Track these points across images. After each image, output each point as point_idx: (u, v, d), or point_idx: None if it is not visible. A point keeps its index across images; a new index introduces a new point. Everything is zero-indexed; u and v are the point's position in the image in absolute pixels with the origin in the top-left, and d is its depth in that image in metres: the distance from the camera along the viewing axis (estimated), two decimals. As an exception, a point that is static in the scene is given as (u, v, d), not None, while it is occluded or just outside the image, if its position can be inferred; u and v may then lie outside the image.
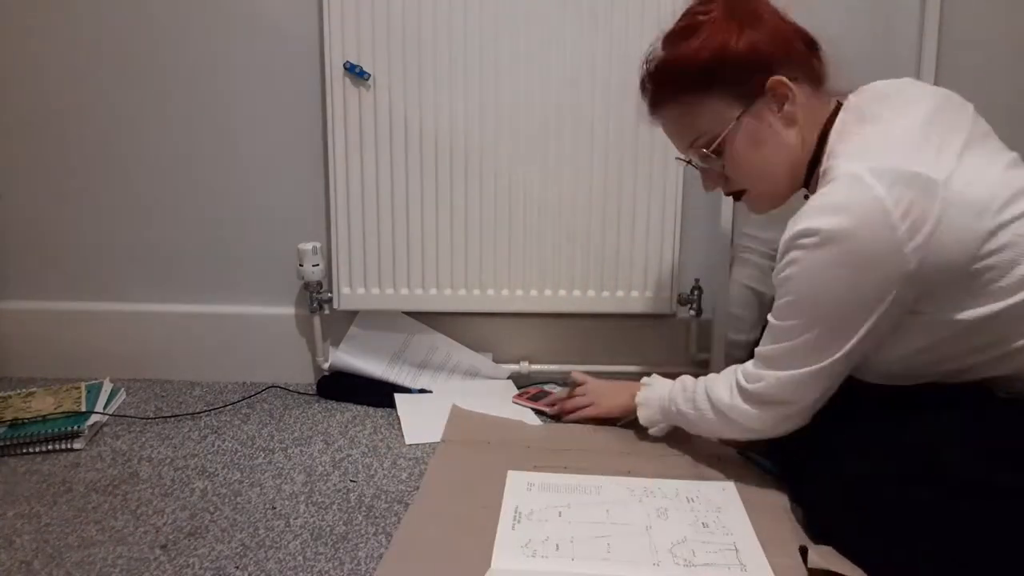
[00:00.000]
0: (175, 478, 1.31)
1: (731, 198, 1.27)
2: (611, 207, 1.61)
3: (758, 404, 1.14)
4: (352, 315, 1.69)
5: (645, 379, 1.38)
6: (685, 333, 1.70)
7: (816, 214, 1.00)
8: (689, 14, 1.13)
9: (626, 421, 1.43)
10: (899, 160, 0.98)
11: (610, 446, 1.39)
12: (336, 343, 1.70)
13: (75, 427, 1.41)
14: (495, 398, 1.61)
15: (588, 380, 1.52)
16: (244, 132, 1.65)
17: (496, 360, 1.72)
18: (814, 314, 1.04)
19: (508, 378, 1.71)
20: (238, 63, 1.62)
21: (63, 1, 1.61)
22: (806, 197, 1.13)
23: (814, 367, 1.07)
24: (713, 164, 1.16)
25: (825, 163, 1.07)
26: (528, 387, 1.67)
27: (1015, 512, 0.92)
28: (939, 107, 1.07)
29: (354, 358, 1.69)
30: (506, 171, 1.60)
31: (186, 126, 1.66)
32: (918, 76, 1.56)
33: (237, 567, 1.06)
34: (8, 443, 1.38)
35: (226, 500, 1.24)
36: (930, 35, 1.55)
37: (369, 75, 1.55)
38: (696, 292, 1.65)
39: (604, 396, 1.46)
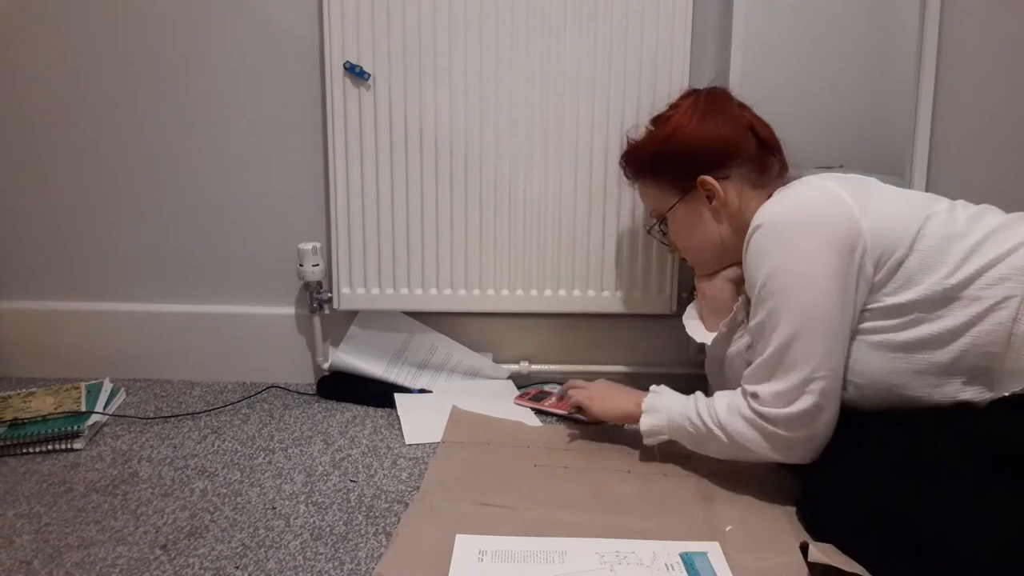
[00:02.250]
0: (175, 478, 1.31)
1: None
2: (611, 207, 1.61)
3: (762, 426, 1.14)
4: (352, 315, 1.69)
5: (654, 387, 1.33)
6: (685, 333, 1.69)
7: (767, 210, 1.14)
8: (672, 104, 1.35)
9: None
10: (834, 176, 1.17)
11: (613, 446, 1.39)
12: (336, 343, 1.70)
13: (75, 427, 1.41)
14: (495, 398, 1.61)
15: (597, 385, 1.44)
16: (244, 132, 1.65)
17: (496, 360, 1.72)
18: (792, 303, 1.10)
19: (508, 378, 1.71)
20: (238, 63, 1.62)
21: (64, 2, 1.61)
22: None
23: (806, 370, 1.10)
24: (663, 231, 1.39)
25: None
26: (528, 387, 1.67)
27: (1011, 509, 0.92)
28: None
29: (354, 358, 1.69)
30: (506, 171, 1.60)
31: (186, 126, 1.66)
32: (918, 76, 1.56)
33: (237, 567, 1.06)
34: (8, 443, 1.38)
35: (226, 500, 1.24)
36: (930, 35, 1.55)
37: (369, 75, 1.55)
38: (696, 292, 1.65)
39: (603, 398, 1.39)
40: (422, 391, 1.66)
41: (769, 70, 1.63)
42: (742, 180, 1.26)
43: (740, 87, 1.55)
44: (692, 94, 1.33)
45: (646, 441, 1.29)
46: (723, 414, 1.17)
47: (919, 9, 1.55)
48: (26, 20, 1.62)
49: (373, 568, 1.05)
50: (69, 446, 1.40)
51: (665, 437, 1.27)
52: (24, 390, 1.60)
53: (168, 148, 1.67)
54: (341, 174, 1.59)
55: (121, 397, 1.62)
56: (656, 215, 1.38)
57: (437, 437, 1.43)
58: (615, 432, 1.49)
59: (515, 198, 1.61)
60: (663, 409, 1.27)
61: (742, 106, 1.30)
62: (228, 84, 1.63)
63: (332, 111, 1.57)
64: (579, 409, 1.42)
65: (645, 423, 1.28)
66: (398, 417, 1.54)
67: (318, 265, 1.63)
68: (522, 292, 1.65)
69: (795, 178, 1.24)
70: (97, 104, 1.65)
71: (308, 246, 1.62)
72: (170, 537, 1.14)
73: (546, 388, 1.67)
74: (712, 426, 1.19)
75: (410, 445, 1.43)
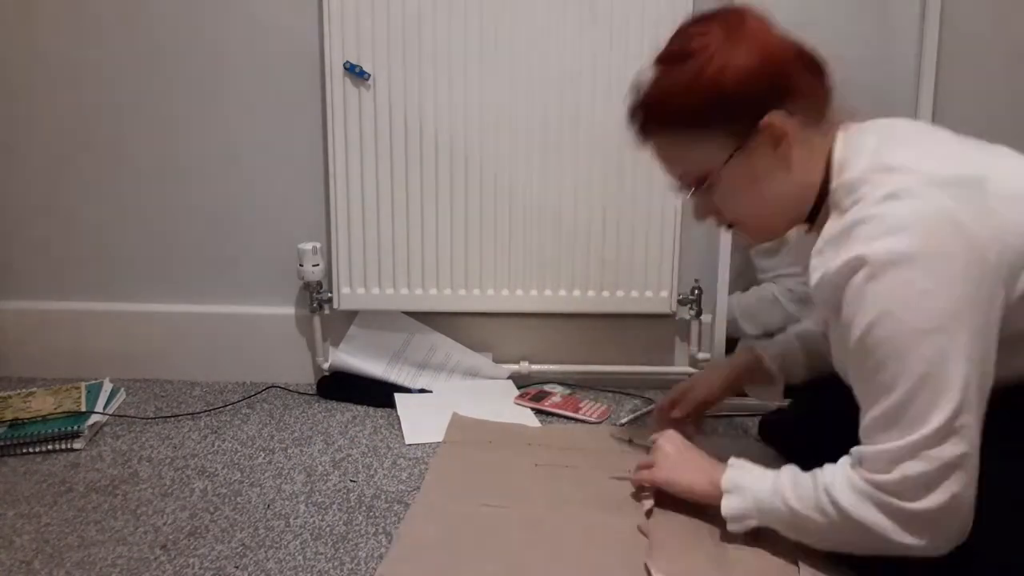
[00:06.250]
0: (175, 478, 1.31)
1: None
2: (611, 207, 1.61)
3: (883, 500, 0.90)
4: (352, 315, 1.69)
5: (734, 460, 1.07)
6: (685, 333, 1.70)
7: (877, 237, 0.89)
8: (683, 35, 1.04)
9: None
10: (937, 165, 0.92)
11: (612, 445, 1.39)
12: (336, 343, 1.70)
13: (75, 427, 1.41)
14: (495, 398, 1.61)
15: (666, 442, 1.18)
16: (244, 132, 1.65)
17: (496, 360, 1.72)
18: (917, 354, 0.87)
19: (508, 378, 1.71)
20: (238, 63, 1.62)
21: (63, 3, 1.61)
22: (808, 231, 1.08)
23: (944, 418, 0.86)
24: (703, 197, 1.07)
25: (841, 179, 0.98)
26: (528, 387, 1.67)
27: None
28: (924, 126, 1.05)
29: (354, 358, 1.68)
30: (506, 171, 1.60)
31: (186, 126, 1.65)
32: (918, 78, 1.56)
33: (237, 567, 1.06)
34: (8, 443, 1.38)
35: (226, 500, 1.24)
36: (930, 37, 1.55)
37: (369, 75, 1.55)
38: (696, 292, 1.65)
39: (676, 466, 1.14)
40: (422, 391, 1.66)
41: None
42: (806, 116, 1.01)
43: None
44: (714, 18, 1.03)
45: (731, 528, 1.04)
46: (839, 490, 0.93)
47: (919, 9, 1.55)
48: (25, 21, 1.62)
49: (373, 568, 1.05)
50: (69, 446, 1.40)
51: (754, 523, 1.03)
52: (24, 390, 1.60)
53: (168, 148, 1.66)
54: (341, 174, 1.59)
55: (121, 397, 1.62)
56: (694, 179, 1.05)
57: (437, 437, 1.43)
58: (616, 431, 1.49)
59: (515, 198, 1.61)
60: (748, 488, 1.03)
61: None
62: (228, 84, 1.63)
63: (332, 111, 1.57)
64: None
65: (728, 507, 1.03)
66: (398, 417, 1.54)
67: (318, 265, 1.63)
68: (522, 292, 1.65)
69: (857, 114, 1.04)
70: (96, 105, 1.65)
71: (308, 246, 1.62)
72: (170, 537, 1.14)
73: (546, 388, 1.67)
74: (824, 507, 0.94)
75: (410, 445, 1.43)
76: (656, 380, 1.70)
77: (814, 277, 0.96)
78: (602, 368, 1.70)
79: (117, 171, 1.68)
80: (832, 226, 0.95)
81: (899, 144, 0.98)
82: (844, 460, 0.94)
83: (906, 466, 0.87)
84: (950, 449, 0.86)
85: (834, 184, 0.99)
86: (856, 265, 0.89)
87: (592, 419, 1.53)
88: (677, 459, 1.15)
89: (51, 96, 1.65)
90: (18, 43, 1.63)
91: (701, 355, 1.69)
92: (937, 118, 1.57)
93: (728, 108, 0.99)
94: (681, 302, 1.66)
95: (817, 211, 1.04)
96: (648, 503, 1.15)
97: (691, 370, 1.69)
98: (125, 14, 1.61)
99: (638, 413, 1.57)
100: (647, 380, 1.70)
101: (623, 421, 1.54)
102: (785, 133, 0.99)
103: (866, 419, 0.92)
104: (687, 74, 1.00)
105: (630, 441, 1.28)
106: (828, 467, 0.96)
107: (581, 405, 1.58)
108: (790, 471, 1.01)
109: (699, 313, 1.66)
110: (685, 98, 1.00)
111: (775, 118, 0.99)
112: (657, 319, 1.69)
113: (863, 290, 0.89)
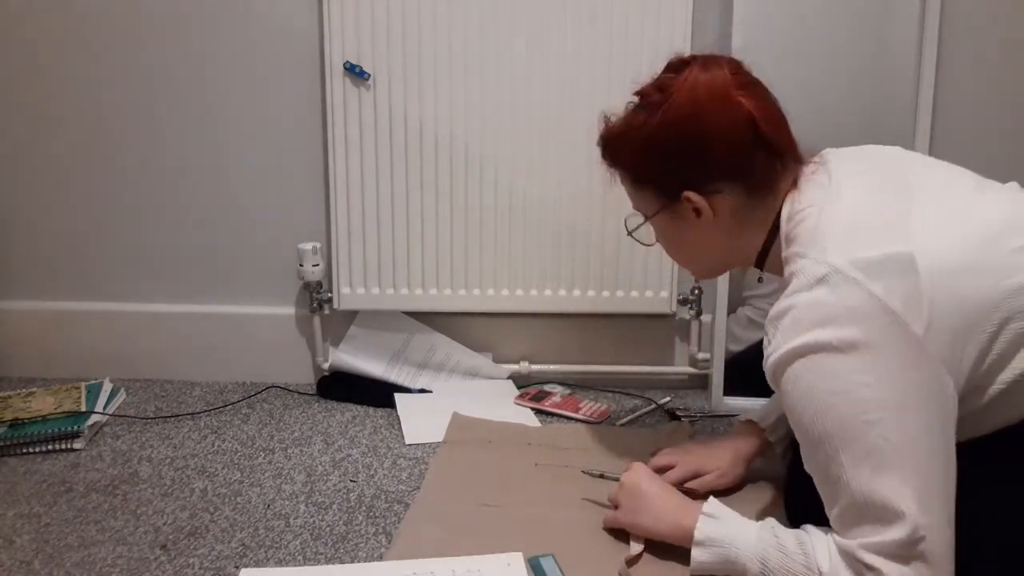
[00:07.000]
0: (175, 478, 1.31)
1: None
2: (611, 206, 1.60)
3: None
4: (352, 315, 1.69)
5: (709, 508, 1.02)
6: (685, 333, 1.70)
7: (813, 326, 0.88)
8: (661, 77, 1.07)
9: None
10: (869, 240, 0.90)
11: (614, 446, 1.39)
12: (336, 343, 1.70)
13: (75, 427, 1.41)
14: (495, 398, 1.61)
15: (633, 478, 1.11)
16: (244, 132, 1.65)
17: (496, 360, 1.72)
18: (863, 444, 0.86)
19: (508, 378, 1.71)
20: (238, 63, 1.62)
21: (62, 2, 1.61)
22: (760, 280, 1.12)
23: (911, 527, 0.84)
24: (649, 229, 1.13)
25: (791, 248, 0.98)
26: (528, 387, 1.67)
27: None
28: (874, 165, 1.03)
29: (354, 358, 1.68)
30: (506, 171, 1.59)
31: (186, 126, 1.65)
32: (917, 82, 1.55)
33: (237, 567, 1.06)
34: (8, 443, 1.38)
35: (226, 500, 1.24)
36: (931, 23, 1.54)
37: (369, 75, 1.55)
38: (696, 292, 1.65)
39: (643, 509, 1.08)
40: (422, 391, 1.66)
41: (769, 70, 1.63)
42: (738, 195, 1.02)
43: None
44: (687, 69, 1.03)
45: (693, 570, 1.00)
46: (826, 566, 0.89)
47: (918, 21, 1.54)
48: (24, 21, 1.62)
49: (373, 568, 1.06)
50: (69, 446, 1.40)
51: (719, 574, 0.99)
52: (24, 390, 1.60)
53: (168, 149, 1.66)
54: (341, 174, 1.59)
55: (121, 397, 1.62)
56: (641, 213, 1.13)
57: (437, 437, 1.43)
58: (616, 431, 1.49)
59: (515, 198, 1.61)
60: (722, 544, 0.98)
61: (747, 86, 1.02)
62: (228, 84, 1.63)
63: (332, 111, 1.57)
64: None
65: (697, 559, 0.99)
66: (398, 417, 1.54)
67: (318, 265, 1.63)
68: (522, 292, 1.65)
69: (816, 162, 1.03)
70: (96, 104, 1.65)
71: (308, 246, 1.62)
72: (170, 537, 1.14)
73: (546, 388, 1.67)
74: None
75: (410, 445, 1.43)
76: (656, 380, 1.71)
77: (765, 353, 0.95)
78: (602, 368, 1.70)
79: (116, 171, 1.68)
80: (778, 305, 0.93)
81: (841, 205, 0.95)
82: (834, 549, 0.89)
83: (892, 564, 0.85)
84: (924, 545, 0.84)
85: (785, 251, 0.99)
86: (793, 356, 0.90)
87: (592, 419, 1.53)
88: (645, 500, 1.08)
89: (49, 96, 1.65)
90: (17, 42, 1.63)
91: (701, 355, 1.69)
92: (938, 106, 1.56)
93: (653, 169, 1.05)
94: (681, 302, 1.66)
95: (765, 255, 1.05)
96: (637, 548, 1.07)
97: (691, 370, 1.70)
98: (125, 15, 1.61)
99: (638, 413, 1.58)
100: (647, 380, 1.70)
101: (623, 421, 1.54)
102: (703, 211, 1.03)
103: (834, 511, 0.90)
104: (637, 123, 1.05)
105: (602, 476, 1.18)
106: (819, 546, 0.91)
107: (581, 405, 1.58)
108: (772, 533, 0.96)
109: (699, 313, 1.66)
110: (630, 147, 1.07)
111: (692, 196, 1.02)
112: (657, 319, 1.69)
113: (799, 384, 0.90)
